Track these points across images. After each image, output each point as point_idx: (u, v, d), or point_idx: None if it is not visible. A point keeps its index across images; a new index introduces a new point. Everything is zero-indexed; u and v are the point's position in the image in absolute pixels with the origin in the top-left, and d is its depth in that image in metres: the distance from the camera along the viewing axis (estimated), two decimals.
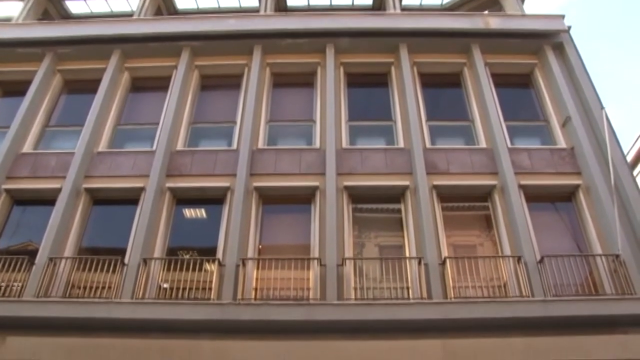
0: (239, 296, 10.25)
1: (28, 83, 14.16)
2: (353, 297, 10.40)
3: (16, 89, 14.38)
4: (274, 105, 14.07)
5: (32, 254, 11.17)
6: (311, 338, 9.41)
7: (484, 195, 12.13)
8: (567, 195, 12.14)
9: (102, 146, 13.08)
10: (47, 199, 12.05)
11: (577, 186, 12.02)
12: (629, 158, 21.40)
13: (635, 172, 21.14)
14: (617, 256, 10.63)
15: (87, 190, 12.23)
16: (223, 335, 9.57)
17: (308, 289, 10.54)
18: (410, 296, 10.39)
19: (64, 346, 9.27)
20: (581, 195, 11.91)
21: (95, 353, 9.13)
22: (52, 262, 10.92)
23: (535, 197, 11.91)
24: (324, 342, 9.22)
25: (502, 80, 14.15)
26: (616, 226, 10.73)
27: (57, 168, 12.52)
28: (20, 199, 12.45)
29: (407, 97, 13.35)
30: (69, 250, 11.38)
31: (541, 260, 10.70)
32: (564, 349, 8.93)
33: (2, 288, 10.76)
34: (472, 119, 13.48)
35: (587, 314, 9.77)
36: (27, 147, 13.16)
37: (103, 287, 10.76)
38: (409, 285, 10.53)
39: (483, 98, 13.46)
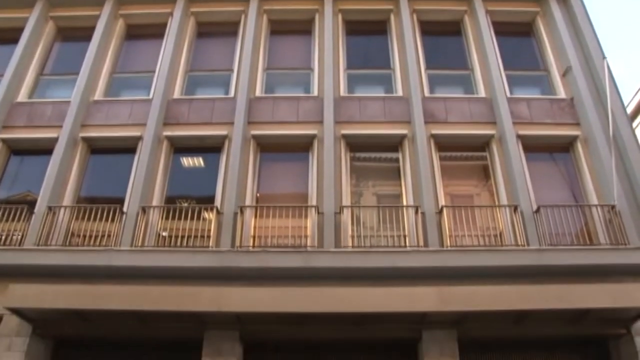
0: (237, 244, 10.39)
1: (20, 30, 13.89)
2: (350, 244, 10.53)
3: (8, 36, 14.10)
4: (272, 52, 13.87)
5: (32, 203, 11.22)
6: (309, 285, 9.53)
7: (481, 144, 12.12)
8: (565, 146, 12.13)
9: (98, 95, 12.95)
10: (44, 149, 12.01)
11: (575, 137, 11.99)
12: (629, 110, 21.24)
13: (634, 124, 21.04)
14: (613, 207, 10.72)
15: (84, 139, 12.18)
16: (221, 282, 9.70)
17: (306, 236, 10.65)
18: (407, 244, 10.53)
19: (65, 293, 9.33)
20: (579, 146, 11.90)
21: (96, 300, 9.22)
22: (51, 211, 10.98)
23: (533, 147, 11.90)
24: (322, 289, 9.32)
25: (502, 29, 13.92)
26: (613, 177, 10.76)
27: (53, 117, 12.43)
28: (17, 149, 12.40)
29: (406, 45, 13.16)
30: (67, 199, 11.43)
31: (537, 210, 10.79)
32: (558, 297, 9.03)
33: (3, 237, 10.86)
34: (472, 67, 13.32)
35: (581, 263, 9.94)
36: (21, 96, 13.02)
37: (102, 236, 10.86)
38: (406, 233, 10.66)
39: (483, 47, 13.26)
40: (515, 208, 10.79)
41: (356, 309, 8.98)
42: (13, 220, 10.97)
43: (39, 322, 9.74)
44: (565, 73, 12.82)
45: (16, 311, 9.45)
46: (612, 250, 10.27)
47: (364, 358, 10.03)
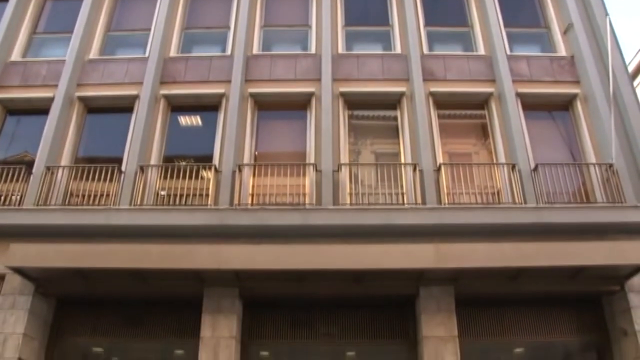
0: (236, 202, 10.44)
1: None
2: (348, 202, 10.59)
3: None
4: (269, 9, 13.63)
5: (30, 164, 11.21)
6: (307, 242, 9.63)
7: (480, 103, 12.05)
8: (564, 104, 12.06)
9: (93, 53, 12.79)
10: (40, 109, 11.93)
11: (575, 95, 11.91)
12: (630, 68, 21.03)
13: (635, 83, 20.86)
14: (611, 165, 10.74)
15: (81, 98, 12.08)
16: (220, 240, 9.77)
17: (304, 194, 10.69)
18: (405, 202, 10.58)
19: (66, 252, 9.41)
20: (579, 105, 11.83)
21: (96, 258, 9.29)
22: (50, 171, 10.98)
23: (532, 105, 11.84)
24: (320, 246, 9.41)
25: None
26: (611, 136, 10.73)
27: (48, 76, 12.30)
28: (12, 109, 12.31)
29: (405, 2, 12.97)
30: (65, 159, 11.42)
31: (535, 169, 10.81)
32: (554, 255, 9.12)
33: (2, 198, 10.89)
34: (471, 24, 13.13)
35: (578, 221, 10.02)
36: (15, 55, 12.85)
37: (101, 195, 10.89)
38: (404, 191, 10.70)
39: (483, 3, 13.05)
40: (513, 166, 10.81)
41: (354, 266, 9.08)
42: (12, 181, 10.98)
43: (41, 280, 9.85)
44: (567, 30, 12.64)
45: (18, 270, 9.55)
46: (608, 208, 10.33)
47: (362, 314, 10.18)
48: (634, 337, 9.44)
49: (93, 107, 12.22)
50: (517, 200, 10.51)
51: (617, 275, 9.72)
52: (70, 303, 10.38)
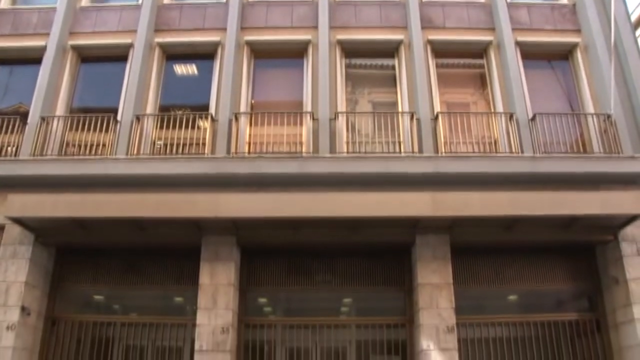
0: (233, 151, 10.43)
1: None
2: (345, 151, 10.58)
3: None
4: None
5: (24, 115, 11.11)
6: (304, 190, 9.67)
7: (479, 51, 11.91)
8: (564, 54, 11.93)
9: (84, 1, 12.50)
10: (32, 58, 11.76)
11: (575, 44, 11.76)
12: (633, 18, 20.65)
13: (637, 33, 20.54)
14: (609, 116, 10.71)
15: (74, 47, 11.89)
16: (217, 189, 9.80)
17: (301, 143, 10.67)
18: (402, 150, 10.57)
19: (64, 202, 9.42)
20: (579, 54, 11.71)
21: (94, 208, 9.32)
22: (45, 121, 10.90)
23: (531, 54, 11.72)
24: (317, 194, 9.45)
25: None
26: (611, 86, 10.64)
27: (40, 25, 12.08)
28: (4, 59, 12.11)
29: None
30: (60, 109, 11.32)
31: (533, 118, 10.78)
32: (549, 204, 9.16)
33: None
34: None
35: (574, 171, 10.06)
36: (4, 3, 12.57)
37: (97, 145, 10.85)
38: (401, 139, 10.67)
39: None
40: (511, 116, 10.76)
41: (351, 214, 9.13)
42: (7, 132, 10.91)
43: (41, 230, 9.92)
44: None
45: (17, 220, 9.60)
46: (605, 159, 10.35)
47: (359, 262, 10.34)
48: (625, 285, 9.63)
49: (87, 56, 12.04)
50: (514, 150, 10.51)
51: (611, 225, 9.83)
52: (70, 252, 10.50)
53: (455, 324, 9.39)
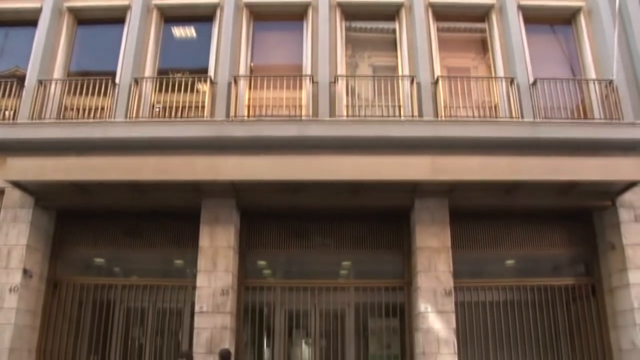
0: (232, 114, 10.37)
1: None
2: (345, 114, 10.52)
3: None
4: None
5: (21, 79, 11.01)
6: (303, 154, 9.68)
7: (481, 15, 11.73)
8: (567, 18, 11.77)
9: None
10: (28, 20, 11.59)
11: (578, 8, 11.60)
12: None
13: None
14: (611, 82, 10.63)
15: (70, 9, 11.70)
16: (217, 152, 9.80)
17: (300, 106, 10.60)
18: (402, 115, 10.52)
19: (63, 165, 9.41)
20: (582, 18, 11.55)
21: (93, 172, 9.31)
22: (42, 84, 10.82)
23: (533, 18, 11.55)
24: (316, 158, 9.45)
25: None
26: (614, 51, 10.54)
27: None
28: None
29: None
30: (57, 73, 11.20)
31: (534, 83, 10.71)
32: (548, 169, 9.15)
33: None
34: None
35: (574, 137, 10.06)
36: None
37: (96, 109, 10.77)
38: (401, 103, 10.61)
39: None
40: (512, 80, 10.69)
41: (350, 177, 9.15)
42: (3, 96, 10.84)
43: (41, 194, 9.96)
44: None
45: (17, 184, 9.61)
46: (605, 125, 10.34)
47: (358, 225, 10.42)
48: (621, 250, 9.73)
49: (83, 19, 11.85)
50: (514, 115, 10.47)
51: (609, 191, 9.87)
52: (71, 215, 10.55)
53: (453, 287, 9.53)
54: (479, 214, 10.27)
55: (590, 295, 10.21)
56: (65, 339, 9.99)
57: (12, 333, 9.24)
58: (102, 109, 10.71)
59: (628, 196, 9.92)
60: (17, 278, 9.55)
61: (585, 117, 10.81)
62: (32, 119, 10.55)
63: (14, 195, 9.96)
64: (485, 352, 9.87)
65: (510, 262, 10.72)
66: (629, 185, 9.58)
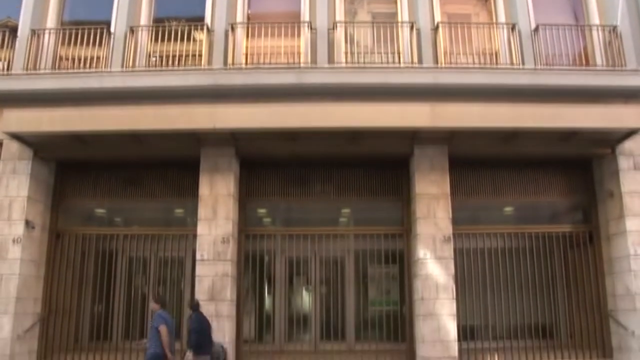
0: (230, 62, 10.24)
1: None
2: (344, 61, 10.38)
3: None
4: None
5: (13, 30, 10.80)
6: (302, 101, 9.60)
7: None
8: None
9: None
10: None
11: None
12: None
13: None
14: (614, 28, 10.47)
15: None
16: (215, 101, 9.72)
17: (299, 54, 10.47)
18: (401, 61, 10.38)
19: (61, 116, 9.37)
20: None
21: (91, 121, 9.26)
22: (36, 34, 10.64)
23: None
24: (315, 105, 9.41)
25: None
26: None
27: None
28: None
29: None
30: (50, 22, 11.00)
31: (536, 29, 10.55)
32: (549, 117, 9.11)
33: None
34: None
35: (576, 84, 9.96)
36: None
37: (92, 59, 10.61)
38: (400, 50, 10.47)
39: None
40: (513, 27, 10.52)
41: (349, 125, 9.11)
42: None
43: (39, 145, 9.94)
44: None
45: (14, 136, 9.59)
46: (607, 72, 10.26)
47: (357, 173, 10.44)
48: (619, 198, 9.79)
49: None
50: (515, 62, 10.34)
51: (610, 139, 9.85)
52: (70, 167, 10.58)
53: (452, 234, 9.61)
54: (478, 161, 10.29)
55: (588, 243, 10.32)
56: (70, 288, 10.16)
57: (17, 283, 9.41)
58: (98, 59, 10.56)
59: (628, 144, 9.90)
60: (19, 229, 9.64)
61: (588, 64, 10.69)
62: (26, 70, 10.42)
63: (12, 147, 9.95)
64: (483, 297, 10.05)
65: (508, 209, 10.79)
66: (630, 133, 9.56)
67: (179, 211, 10.73)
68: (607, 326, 9.94)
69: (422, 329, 9.27)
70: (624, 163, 9.92)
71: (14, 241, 9.60)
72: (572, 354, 9.81)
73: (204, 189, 9.72)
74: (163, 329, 7.97)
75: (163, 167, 10.38)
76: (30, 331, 9.56)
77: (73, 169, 10.59)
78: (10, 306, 9.28)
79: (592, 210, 10.47)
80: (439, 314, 9.28)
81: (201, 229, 9.58)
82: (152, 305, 8.48)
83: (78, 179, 10.63)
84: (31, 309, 9.72)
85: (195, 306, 8.57)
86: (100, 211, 10.86)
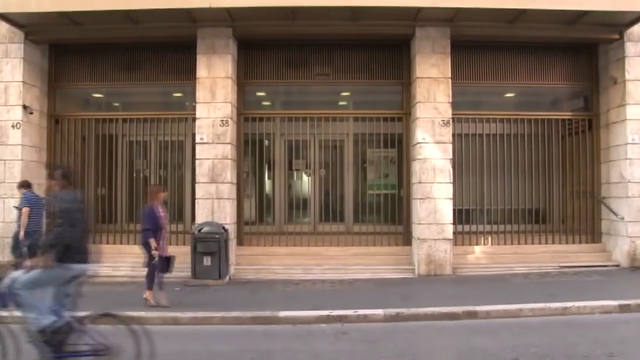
0: None
1: None
2: None
3: None
4: None
5: None
6: None
7: None
8: None
9: None
10: None
11: None
12: None
13: None
14: None
15: None
16: None
17: None
18: None
19: None
20: None
21: (81, 1, 8.87)
22: None
23: None
24: None
25: None
26: None
27: None
28: None
29: None
30: None
31: None
32: None
33: None
34: None
35: None
36: None
37: None
38: None
39: None
40: None
41: (349, 3, 8.82)
42: None
43: (30, 27, 9.66)
44: None
45: (3, 17, 9.25)
46: None
47: (357, 54, 10.25)
48: (622, 85, 9.66)
49: None
50: None
51: (618, 23, 9.57)
52: (65, 50, 10.39)
53: (451, 118, 9.55)
54: (480, 44, 10.07)
55: (587, 130, 10.33)
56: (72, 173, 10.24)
57: (20, 169, 9.49)
58: None
59: (637, 29, 9.65)
60: (17, 114, 9.61)
61: None
62: None
63: (1, 29, 9.67)
64: (480, 182, 10.20)
65: (509, 94, 10.71)
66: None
67: (177, 94, 10.66)
68: (598, 212, 10.20)
69: (419, 211, 9.45)
70: (631, 49, 9.70)
71: (13, 126, 9.59)
72: (563, 238, 10.12)
73: (201, 71, 9.54)
74: None
75: (160, 50, 10.17)
76: None
77: (68, 53, 10.39)
78: (16, 190, 9.43)
79: (593, 97, 10.40)
80: (435, 197, 9.41)
81: (200, 111, 9.52)
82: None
83: (73, 63, 10.45)
84: None
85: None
86: (97, 95, 10.79)
